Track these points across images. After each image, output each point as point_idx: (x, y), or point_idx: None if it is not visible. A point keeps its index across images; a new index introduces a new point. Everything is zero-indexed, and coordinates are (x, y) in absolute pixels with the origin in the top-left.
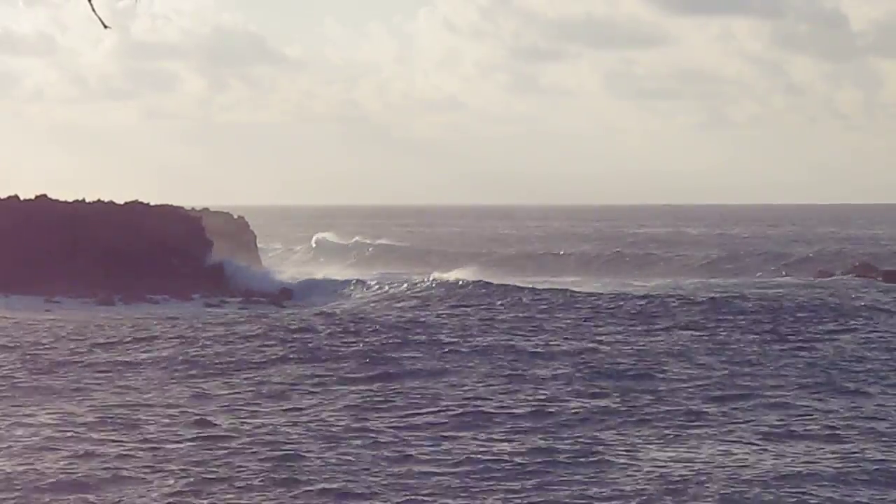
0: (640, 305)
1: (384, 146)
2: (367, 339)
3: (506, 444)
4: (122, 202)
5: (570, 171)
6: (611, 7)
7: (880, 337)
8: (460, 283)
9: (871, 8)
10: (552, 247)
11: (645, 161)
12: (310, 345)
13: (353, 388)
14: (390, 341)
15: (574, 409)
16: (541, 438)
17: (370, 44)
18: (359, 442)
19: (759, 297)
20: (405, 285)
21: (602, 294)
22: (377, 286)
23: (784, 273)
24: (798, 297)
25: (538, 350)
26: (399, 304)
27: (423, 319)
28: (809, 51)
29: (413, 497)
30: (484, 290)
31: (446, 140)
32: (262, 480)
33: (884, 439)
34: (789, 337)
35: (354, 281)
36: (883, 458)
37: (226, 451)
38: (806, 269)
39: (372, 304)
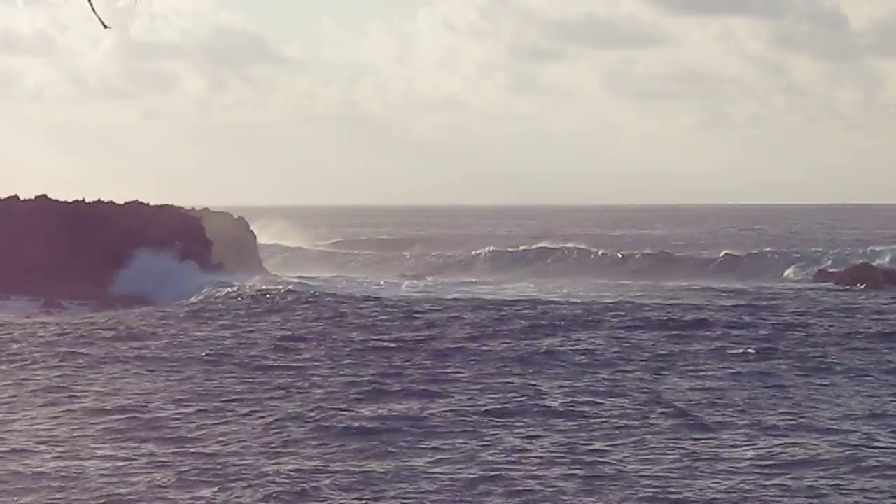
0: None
1: (384, 146)
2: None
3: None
4: (122, 202)
5: (570, 171)
6: (611, 7)
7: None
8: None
9: (871, 8)
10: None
11: (645, 161)
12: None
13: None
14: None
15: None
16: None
17: (370, 44)
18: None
19: (761, 307)
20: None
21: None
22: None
23: (783, 276)
24: (801, 303)
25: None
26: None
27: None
28: (809, 51)
29: None
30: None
31: (446, 140)
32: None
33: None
34: (789, 348)
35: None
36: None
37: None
38: (806, 272)
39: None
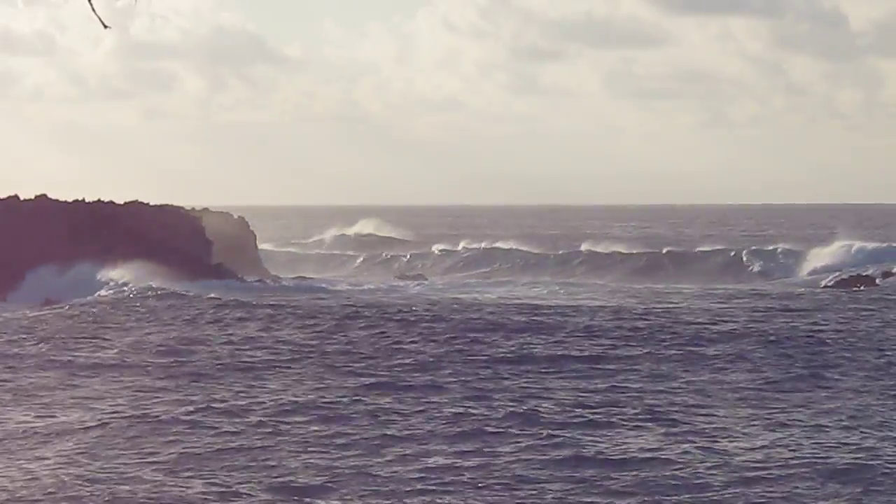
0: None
1: (384, 146)
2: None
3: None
4: (122, 202)
5: (570, 171)
6: (611, 7)
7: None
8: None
9: (871, 8)
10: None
11: (645, 161)
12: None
13: None
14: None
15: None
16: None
17: (370, 44)
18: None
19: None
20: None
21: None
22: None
23: (780, 277)
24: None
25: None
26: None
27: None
28: (809, 51)
29: None
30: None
31: (446, 140)
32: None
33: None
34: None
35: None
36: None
37: None
38: (803, 272)
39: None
